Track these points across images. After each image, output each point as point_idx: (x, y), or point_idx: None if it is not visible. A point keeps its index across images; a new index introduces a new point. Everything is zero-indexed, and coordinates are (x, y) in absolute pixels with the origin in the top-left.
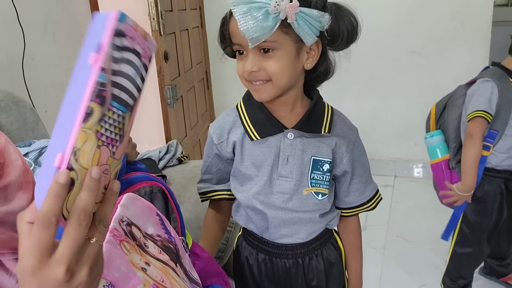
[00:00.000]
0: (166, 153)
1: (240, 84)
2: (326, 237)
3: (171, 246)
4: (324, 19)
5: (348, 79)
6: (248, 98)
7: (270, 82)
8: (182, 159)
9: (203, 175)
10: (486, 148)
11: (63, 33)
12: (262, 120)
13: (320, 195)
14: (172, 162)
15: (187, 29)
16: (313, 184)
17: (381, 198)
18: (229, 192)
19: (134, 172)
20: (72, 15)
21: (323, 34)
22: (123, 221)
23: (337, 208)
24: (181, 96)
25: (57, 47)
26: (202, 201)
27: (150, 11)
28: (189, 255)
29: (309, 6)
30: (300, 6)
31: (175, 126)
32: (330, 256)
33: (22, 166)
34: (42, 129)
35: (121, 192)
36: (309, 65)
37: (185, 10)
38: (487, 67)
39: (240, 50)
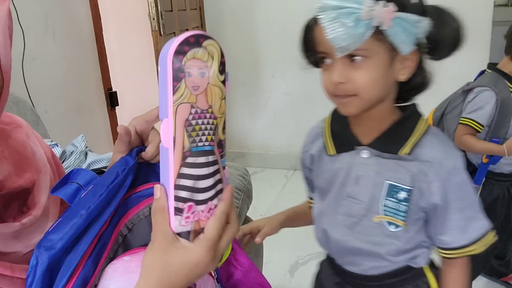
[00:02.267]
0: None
1: (240, 85)
2: (410, 275)
3: None
4: (423, 25)
5: None
6: (337, 109)
7: (357, 97)
8: None
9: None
10: (488, 156)
11: (63, 33)
12: (341, 134)
13: (393, 226)
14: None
15: (187, 29)
16: (386, 212)
17: (495, 240)
18: None
19: (151, 184)
20: (72, 15)
21: (421, 42)
22: None
23: (436, 247)
24: None
25: (57, 47)
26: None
27: (150, 11)
28: (216, 278)
29: (406, 11)
30: (396, 11)
31: None
32: None
33: (49, 168)
34: (42, 129)
35: (129, 208)
36: (403, 76)
37: (185, 10)
38: (483, 71)
39: (325, 59)
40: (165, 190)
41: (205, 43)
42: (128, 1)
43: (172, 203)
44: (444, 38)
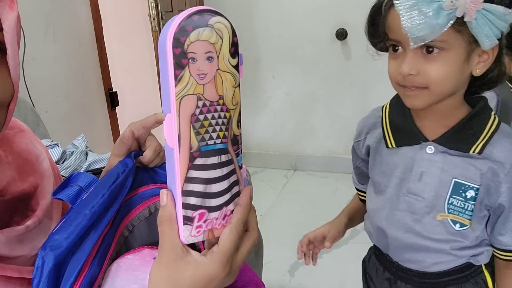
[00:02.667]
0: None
1: (240, 84)
2: (469, 273)
3: None
4: (510, 18)
5: (348, 79)
6: (397, 98)
7: (427, 90)
8: None
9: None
10: None
11: (63, 34)
12: (402, 126)
13: (458, 225)
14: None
15: None
16: (450, 210)
17: None
18: None
19: (150, 186)
20: (72, 15)
21: (501, 35)
22: None
23: (494, 248)
24: None
25: (57, 48)
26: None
27: (150, 11)
28: None
29: (493, 1)
30: (483, 1)
31: None
32: None
33: (52, 173)
34: (43, 129)
35: (125, 215)
36: (479, 70)
37: (185, 10)
38: None
39: (396, 47)
40: (172, 196)
41: (212, 20)
42: (128, 1)
43: (180, 212)
44: None
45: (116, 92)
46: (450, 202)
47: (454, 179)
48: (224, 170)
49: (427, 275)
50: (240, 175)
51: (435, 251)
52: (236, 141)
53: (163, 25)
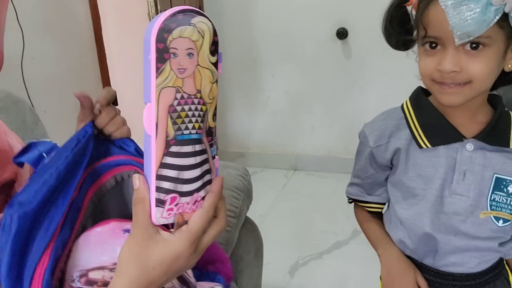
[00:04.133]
0: None
1: (240, 84)
2: (499, 268)
3: None
4: None
5: (348, 78)
6: (416, 97)
7: (469, 85)
8: None
9: (353, 178)
10: None
11: (63, 33)
12: (435, 125)
13: (501, 221)
14: None
15: None
16: (493, 207)
17: None
18: (382, 206)
19: (114, 156)
20: (71, 15)
21: None
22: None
23: None
24: None
25: (56, 47)
26: (349, 202)
27: (150, 11)
28: None
29: None
30: None
31: None
32: None
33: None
34: (42, 129)
35: (90, 185)
36: (511, 66)
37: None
38: None
39: (433, 44)
40: (146, 180)
41: (194, 20)
42: (128, 1)
43: (153, 194)
44: None
45: (115, 92)
46: (492, 198)
47: (495, 175)
48: (198, 159)
49: (470, 277)
50: (213, 165)
51: (481, 250)
52: (210, 132)
53: None
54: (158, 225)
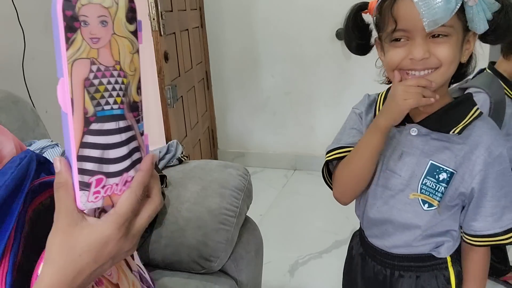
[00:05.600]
0: (166, 153)
1: (240, 84)
2: (430, 264)
3: None
4: (495, 7)
5: (348, 79)
6: (389, 88)
7: (439, 70)
8: (183, 159)
9: (333, 143)
10: None
11: None
12: None
13: (426, 205)
14: (172, 162)
15: (187, 30)
16: (423, 190)
17: None
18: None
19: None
20: None
21: None
22: None
23: (465, 234)
24: (181, 96)
25: None
26: (326, 161)
27: (150, 11)
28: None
29: None
30: None
31: (175, 126)
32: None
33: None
34: (42, 129)
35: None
36: (464, 57)
37: (185, 10)
38: (483, 69)
39: (399, 38)
40: (68, 162)
41: None
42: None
43: (76, 177)
44: (502, 24)
45: None
46: (423, 182)
47: (430, 161)
48: (123, 136)
49: (389, 256)
50: (142, 142)
51: (402, 229)
52: (136, 107)
53: (163, 25)
54: (86, 210)
